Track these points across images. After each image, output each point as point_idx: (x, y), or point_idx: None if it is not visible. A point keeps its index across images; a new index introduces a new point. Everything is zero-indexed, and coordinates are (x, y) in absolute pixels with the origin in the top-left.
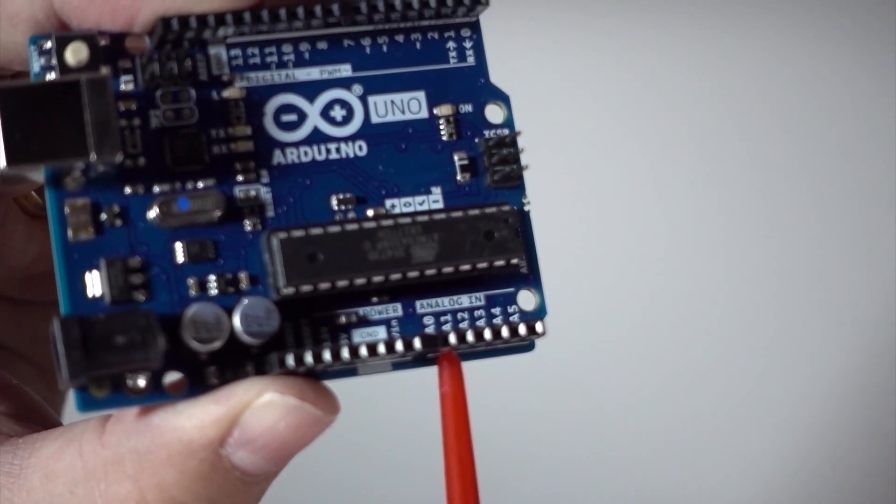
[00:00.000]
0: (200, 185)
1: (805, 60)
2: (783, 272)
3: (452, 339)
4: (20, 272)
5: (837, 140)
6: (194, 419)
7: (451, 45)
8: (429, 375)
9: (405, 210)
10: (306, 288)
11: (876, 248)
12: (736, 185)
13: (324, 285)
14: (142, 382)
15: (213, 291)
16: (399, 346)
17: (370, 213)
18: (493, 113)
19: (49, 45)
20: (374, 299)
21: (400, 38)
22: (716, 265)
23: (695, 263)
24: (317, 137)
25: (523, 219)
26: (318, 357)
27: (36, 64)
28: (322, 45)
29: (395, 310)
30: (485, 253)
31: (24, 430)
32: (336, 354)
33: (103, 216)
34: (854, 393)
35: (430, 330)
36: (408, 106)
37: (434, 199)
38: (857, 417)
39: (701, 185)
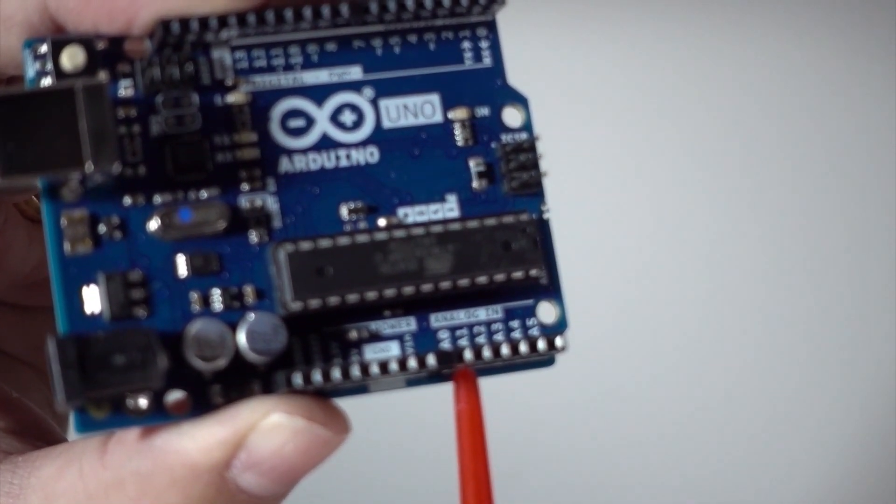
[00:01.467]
0: (204, 194)
1: (862, 75)
2: (815, 281)
3: (468, 354)
4: (22, 278)
5: (874, 150)
6: (198, 441)
7: (466, 45)
8: (444, 392)
9: (419, 219)
10: (315, 303)
11: None
12: (769, 194)
13: (333, 300)
14: (143, 403)
15: (218, 306)
16: (412, 362)
17: (382, 222)
18: (511, 116)
19: (44, 49)
20: (387, 312)
21: (413, 38)
22: (744, 272)
23: (723, 272)
24: (326, 144)
25: (543, 228)
26: (327, 375)
27: (31, 69)
28: (331, 47)
29: (408, 324)
30: (502, 264)
31: (25, 447)
32: (346, 372)
33: (102, 228)
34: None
35: (445, 345)
36: (421, 110)
37: (449, 208)
38: None
39: (730, 192)
